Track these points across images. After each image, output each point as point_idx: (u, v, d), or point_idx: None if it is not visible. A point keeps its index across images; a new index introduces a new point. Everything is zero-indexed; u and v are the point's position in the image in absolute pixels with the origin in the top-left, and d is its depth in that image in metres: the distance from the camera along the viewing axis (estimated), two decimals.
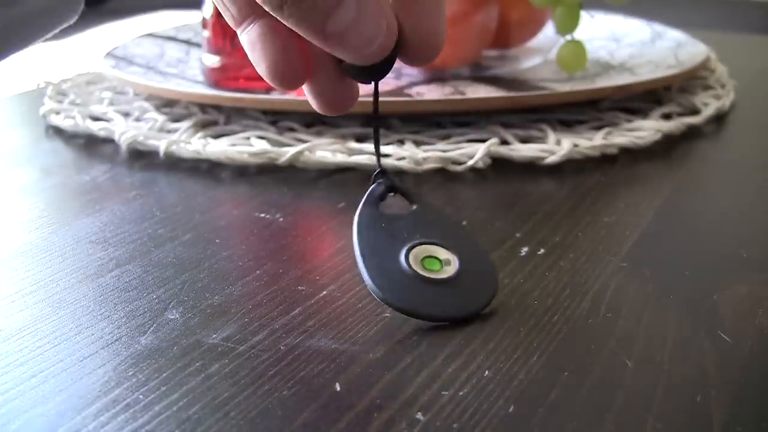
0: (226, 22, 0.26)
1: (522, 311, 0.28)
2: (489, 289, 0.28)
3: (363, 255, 0.27)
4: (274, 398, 0.23)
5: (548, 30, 0.57)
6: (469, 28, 0.53)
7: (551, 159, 0.42)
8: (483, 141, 0.44)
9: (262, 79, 0.26)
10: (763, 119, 0.54)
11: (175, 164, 0.43)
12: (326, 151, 0.43)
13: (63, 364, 0.25)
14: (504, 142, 0.45)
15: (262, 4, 0.24)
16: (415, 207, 0.29)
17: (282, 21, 0.24)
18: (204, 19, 0.53)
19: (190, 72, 0.56)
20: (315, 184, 0.40)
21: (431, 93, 0.51)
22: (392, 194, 0.29)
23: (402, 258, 0.27)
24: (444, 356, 0.25)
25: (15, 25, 0.20)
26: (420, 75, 0.54)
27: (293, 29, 0.24)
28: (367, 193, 0.29)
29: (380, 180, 0.29)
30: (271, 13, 0.24)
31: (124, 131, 0.46)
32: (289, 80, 0.26)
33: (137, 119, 0.50)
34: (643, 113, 0.50)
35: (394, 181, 0.29)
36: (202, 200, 0.38)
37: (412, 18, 0.26)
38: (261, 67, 0.26)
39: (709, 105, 0.53)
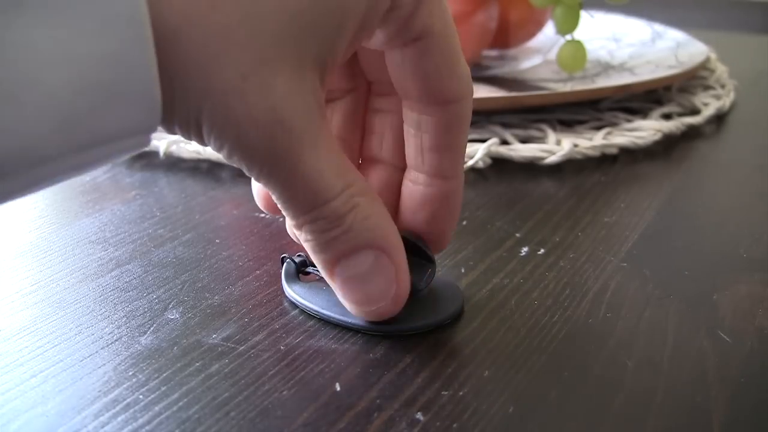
0: None
1: (522, 311, 0.28)
2: (455, 300, 0.28)
3: (320, 309, 0.27)
4: (274, 398, 0.23)
5: (548, 30, 0.58)
6: (469, 28, 0.53)
7: (551, 159, 0.43)
8: (483, 141, 0.44)
9: None
10: (763, 119, 0.54)
11: (175, 164, 0.43)
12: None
13: (63, 364, 0.25)
14: (504, 142, 0.45)
15: (284, 212, 0.24)
16: None
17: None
18: None
19: None
20: None
21: None
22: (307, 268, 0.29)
23: None
24: (444, 356, 0.25)
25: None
26: None
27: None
28: (283, 273, 0.29)
29: (288, 260, 0.29)
30: (292, 227, 0.24)
31: None
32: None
33: None
34: (643, 113, 0.50)
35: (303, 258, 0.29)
36: (202, 200, 0.38)
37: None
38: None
39: (709, 105, 0.53)
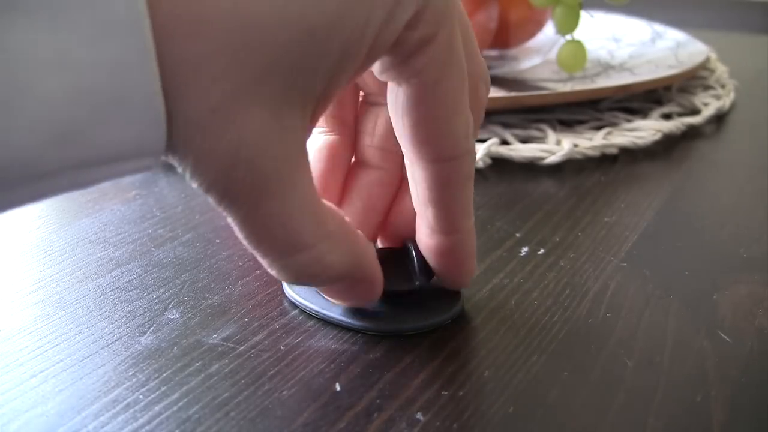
0: None
1: (522, 311, 0.28)
2: (455, 300, 0.28)
3: (320, 309, 0.27)
4: (274, 398, 0.23)
5: (548, 30, 0.57)
6: None
7: (551, 159, 0.42)
8: (483, 141, 0.44)
9: None
10: (763, 119, 0.54)
11: None
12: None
13: (63, 364, 0.25)
14: (504, 142, 0.45)
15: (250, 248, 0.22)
16: None
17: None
18: None
19: None
20: None
21: None
22: None
23: None
24: (444, 356, 0.25)
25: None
26: None
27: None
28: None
29: None
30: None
31: None
32: None
33: None
34: (643, 113, 0.50)
35: None
36: (202, 200, 0.38)
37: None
38: None
39: (709, 105, 0.53)
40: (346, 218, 0.24)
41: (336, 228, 0.22)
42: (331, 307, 0.27)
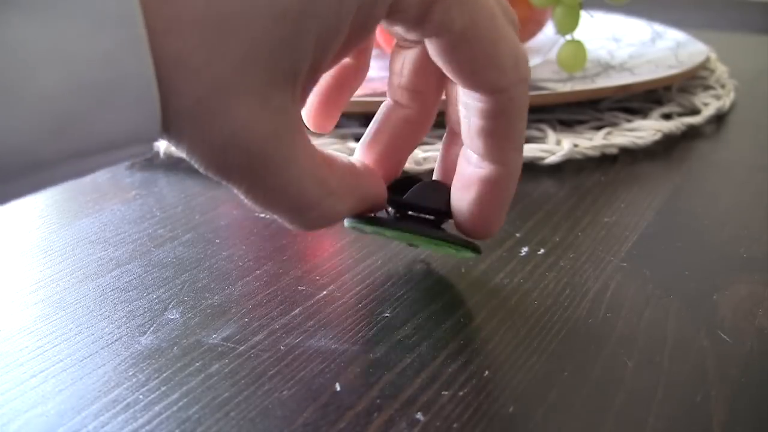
0: None
1: (522, 311, 0.28)
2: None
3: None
4: (274, 398, 0.23)
5: (548, 30, 0.57)
6: None
7: (551, 159, 0.42)
8: None
9: None
10: (763, 119, 0.54)
11: (175, 164, 0.43)
12: (326, 150, 0.43)
13: (63, 364, 0.25)
14: None
15: None
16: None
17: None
18: None
19: None
20: None
21: None
22: None
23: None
24: (444, 356, 0.25)
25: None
26: None
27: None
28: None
29: None
30: None
31: None
32: None
33: None
34: (643, 113, 0.50)
35: None
36: (202, 200, 0.38)
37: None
38: None
39: (709, 105, 0.53)
40: (355, 162, 0.26)
41: (338, 184, 0.24)
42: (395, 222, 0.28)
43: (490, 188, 0.26)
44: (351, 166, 0.26)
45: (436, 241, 0.28)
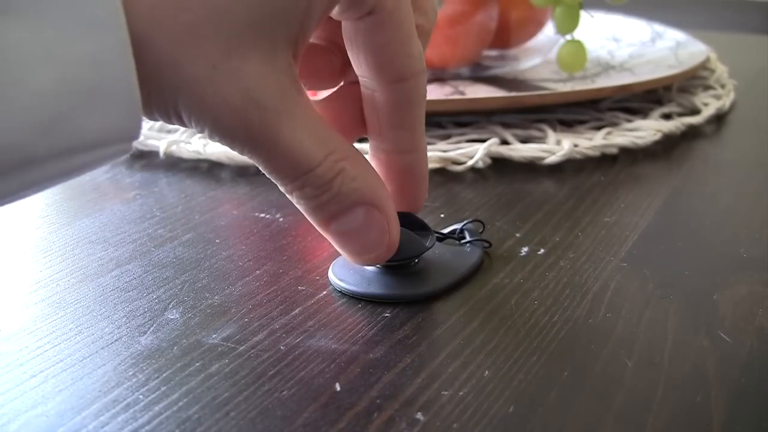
0: None
1: (522, 311, 0.28)
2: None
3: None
4: (274, 398, 0.23)
5: (548, 30, 0.57)
6: (469, 28, 0.53)
7: (551, 159, 0.42)
8: (483, 141, 0.44)
9: None
10: (763, 119, 0.54)
11: (175, 164, 0.43)
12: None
13: (63, 364, 0.25)
14: (504, 142, 0.45)
15: (273, 180, 0.25)
16: None
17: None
18: None
19: None
20: None
21: (431, 93, 0.50)
22: None
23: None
24: (444, 356, 0.25)
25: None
26: None
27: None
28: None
29: None
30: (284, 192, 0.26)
31: None
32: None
33: None
34: (643, 113, 0.50)
35: None
36: (202, 200, 0.38)
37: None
38: None
39: (709, 105, 0.53)
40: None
41: (340, 143, 0.25)
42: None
43: (409, 176, 0.29)
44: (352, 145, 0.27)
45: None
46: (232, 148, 0.24)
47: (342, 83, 0.29)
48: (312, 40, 0.28)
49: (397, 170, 0.29)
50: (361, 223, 0.26)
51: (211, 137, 0.23)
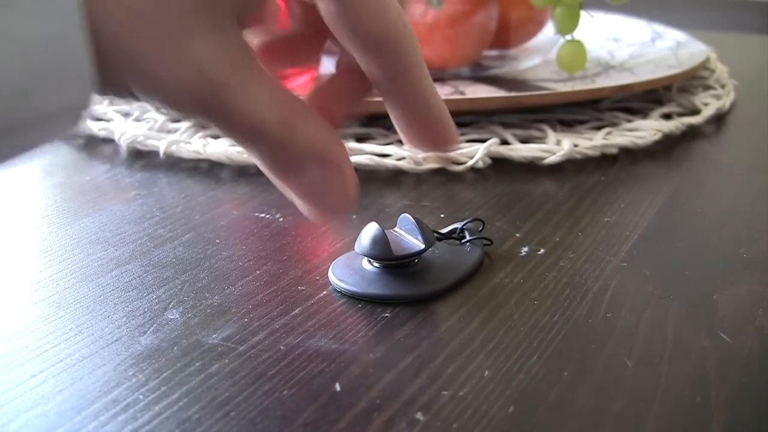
0: None
1: (522, 311, 0.28)
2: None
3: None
4: (274, 398, 0.23)
5: (548, 30, 0.57)
6: (469, 28, 0.53)
7: (551, 159, 0.42)
8: (483, 141, 0.44)
9: None
10: (763, 119, 0.54)
11: (175, 164, 0.43)
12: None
13: (63, 364, 0.25)
14: (504, 142, 0.45)
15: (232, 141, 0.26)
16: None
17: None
18: None
19: None
20: None
21: None
22: None
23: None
24: (444, 356, 0.25)
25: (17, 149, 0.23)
26: None
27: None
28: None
29: None
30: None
31: (124, 131, 0.46)
32: None
33: (137, 119, 0.50)
34: (643, 113, 0.50)
35: None
36: (202, 200, 0.38)
37: None
38: None
39: (709, 105, 0.53)
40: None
41: (293, 105, 0.26)
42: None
43: (432, 119, 0.27)
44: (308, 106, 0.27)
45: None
46: (186, 118, 0.25)
47: (340, 66, 0.29)
48: (298, 28, 0.29)
49: (416, 124, 0.27)
50: (316, 175, 0.26)
51: (168, 110, 0.24)
